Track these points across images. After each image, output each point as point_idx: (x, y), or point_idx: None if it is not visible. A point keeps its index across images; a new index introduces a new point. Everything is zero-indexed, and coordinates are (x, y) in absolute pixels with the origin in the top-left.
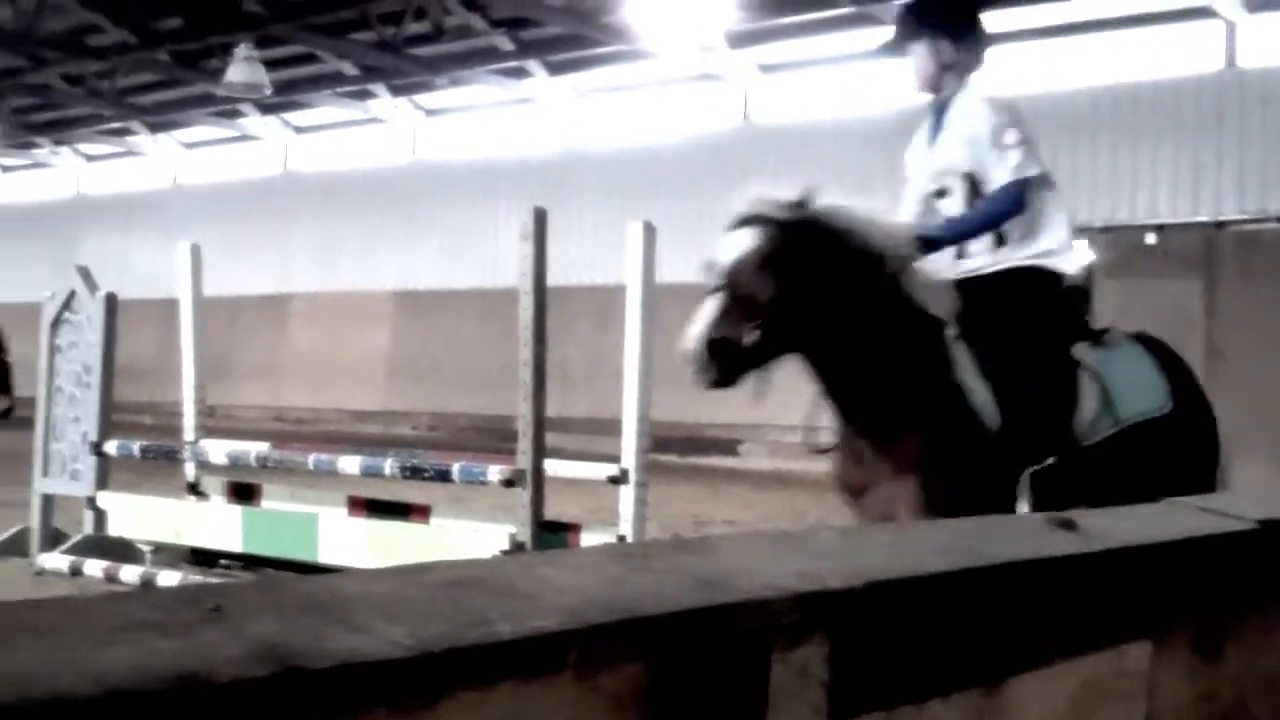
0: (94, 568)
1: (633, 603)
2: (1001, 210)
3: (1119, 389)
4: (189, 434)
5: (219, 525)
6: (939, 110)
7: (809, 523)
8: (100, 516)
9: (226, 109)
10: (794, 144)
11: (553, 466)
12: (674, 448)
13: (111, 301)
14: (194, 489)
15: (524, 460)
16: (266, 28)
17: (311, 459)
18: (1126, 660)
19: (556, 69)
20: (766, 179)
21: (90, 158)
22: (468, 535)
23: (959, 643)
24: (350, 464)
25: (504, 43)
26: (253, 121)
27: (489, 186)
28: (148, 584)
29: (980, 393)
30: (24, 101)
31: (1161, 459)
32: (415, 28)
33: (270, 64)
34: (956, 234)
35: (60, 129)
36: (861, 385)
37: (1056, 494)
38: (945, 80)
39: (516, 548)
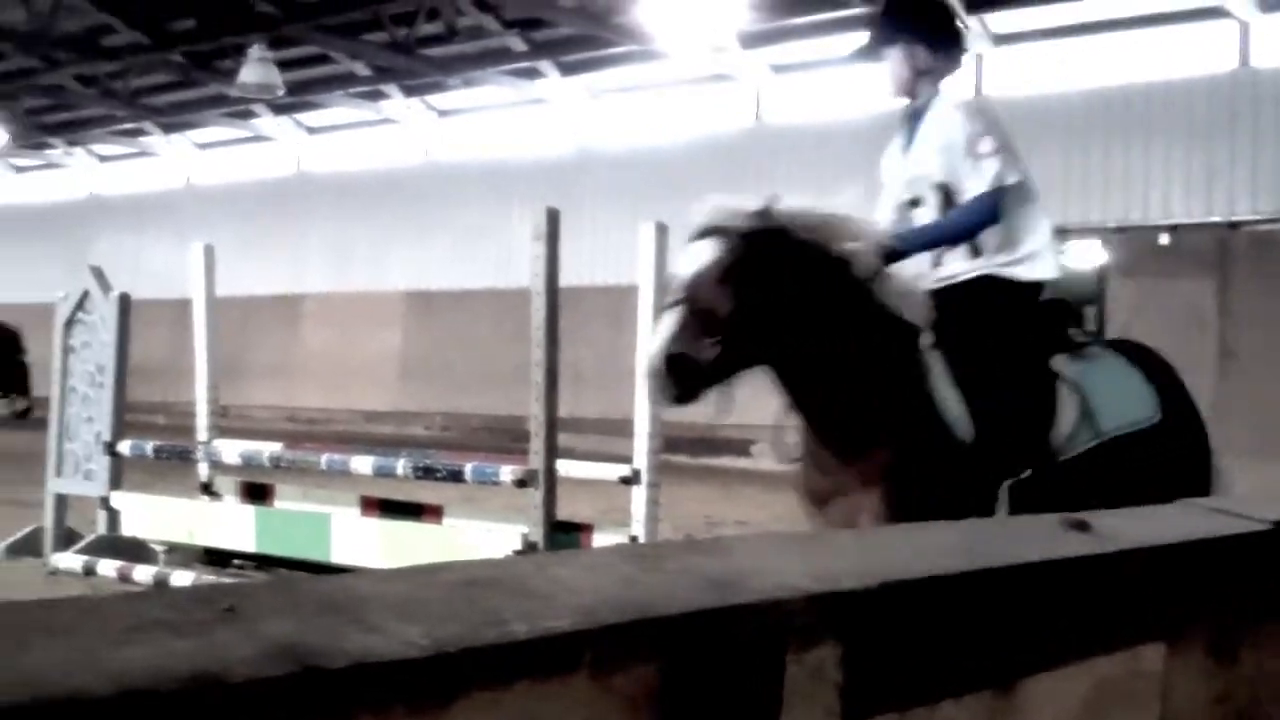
0: (107, 568)
1: (646, 603)
2: (974, 220)
3: (1100, 401)
4: (202, 434)
5: (232, 525)
6: (914, 117)
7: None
8: (114, 516)
9: (239, 110)
10: (806, 144)
11: (565, 467)
12: (686, 448)
13: (125, 302)
14: (207, 489)
15: (536, 460)
16: (279, 29)
17: (324, 459)
18: (1140, 662)
19: (569, 69)
20: (779, 179)
21: (104, 158)
22: (480, 535)
23: (972, 644)
24: (363, 464)
25: (517, 43)
26: (266, 122)
27: (501, 187)
28: (161, 584)
29: (953, 403)
30: (38, 102)
31: (1149, 471)
32: (428, 28)
33: (283, 65)
34: (925, 242)
35: (74, 130)
36: (828, 396)
37: (1034, 507)
38: (920, 86)
39: (529, 548)
